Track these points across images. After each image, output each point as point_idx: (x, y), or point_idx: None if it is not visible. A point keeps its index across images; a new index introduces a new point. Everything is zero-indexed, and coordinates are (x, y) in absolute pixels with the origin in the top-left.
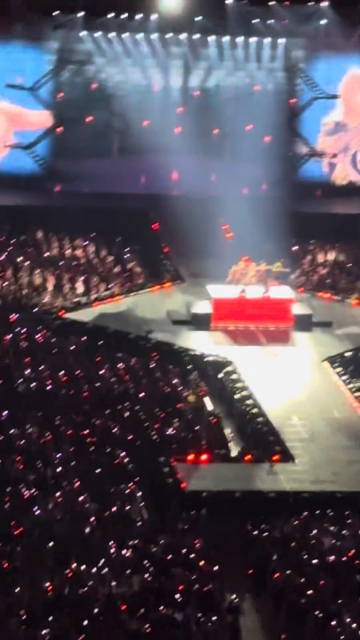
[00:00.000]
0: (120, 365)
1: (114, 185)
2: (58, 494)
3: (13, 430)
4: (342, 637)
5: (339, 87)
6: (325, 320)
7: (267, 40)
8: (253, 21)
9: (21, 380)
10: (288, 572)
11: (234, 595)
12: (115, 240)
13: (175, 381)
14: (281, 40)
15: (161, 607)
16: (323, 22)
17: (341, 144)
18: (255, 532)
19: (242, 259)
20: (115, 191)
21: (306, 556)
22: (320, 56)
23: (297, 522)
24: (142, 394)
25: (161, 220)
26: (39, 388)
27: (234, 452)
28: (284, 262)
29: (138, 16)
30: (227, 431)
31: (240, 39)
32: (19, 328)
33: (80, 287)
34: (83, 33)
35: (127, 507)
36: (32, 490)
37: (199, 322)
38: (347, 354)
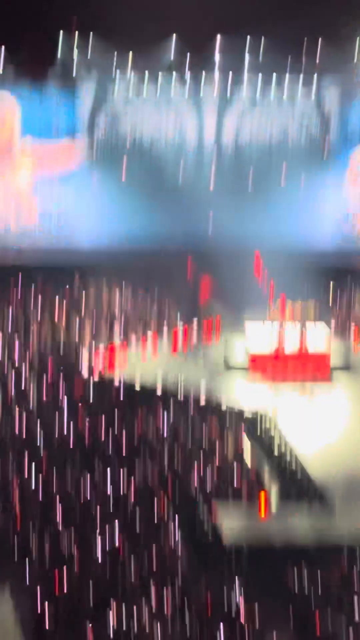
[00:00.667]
0: (158, 415)
1: (150, 242)
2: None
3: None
4: None
5: None
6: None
7: (300, 86)
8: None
9: None
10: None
11: None
12: (152, 281)
13: (213, 431)
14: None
15: None
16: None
17: None
18: (295, 584)
19: (278, 298)
20: (152, 234)
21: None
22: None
23: (336, 573)
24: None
25: (198, 263)
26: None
27: (273, 502)
28: (318, 301)
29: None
30: (266, 483)
31: (272, 87)
32: (57, 373)
33: (117, 330)
34: (117, 89)
35: (167, 558)
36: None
37: (236, 370)
38: None
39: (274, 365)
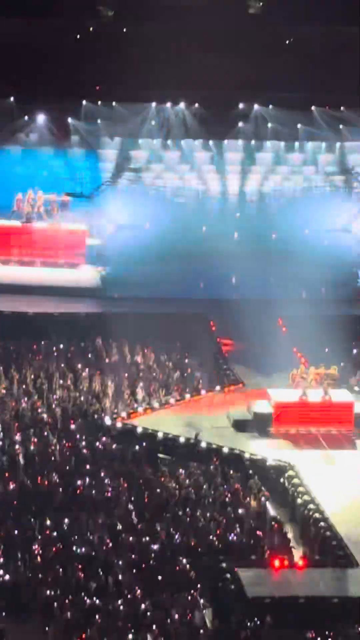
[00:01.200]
0: (180, 470)
1: (173, 290)
2: (119, 602)
3: (74, 537)
4: None
5: None
6: None
7: (323, 144)
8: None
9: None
10: None
11: None
12: (174, 345)
13: (236, 486)
14: (338, 144)
15: None
16: None
17: None
18: None
19: (301, 362)
20: (174, 296)
21: None
22: None
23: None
24: (203, 499)
25: (221, 324)
26: (99, 494)
27: (297, 557)
28: (340, 366)
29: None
30: (290, 536)
31: (296, 144)
32: (79, 435)
33: (140, 393)
34: (140, 140)
35: (190, 615)
36: (93, 599)
37: (260, 422)
38: None
39: (298, 415)
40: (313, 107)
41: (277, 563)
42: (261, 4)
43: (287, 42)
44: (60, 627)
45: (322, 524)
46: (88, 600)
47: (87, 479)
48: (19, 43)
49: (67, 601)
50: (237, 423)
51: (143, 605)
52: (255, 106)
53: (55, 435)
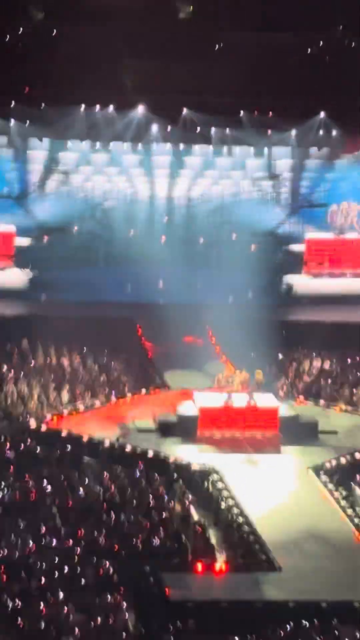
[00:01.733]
0: (105, 474)
1: (100, 293)
2: (42, 605)
3: None
4: None
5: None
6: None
7: (252, 149)
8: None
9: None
10: None
11: None
12: (101, 348)
13: (160, 490)
14: (266, 150)
15: None
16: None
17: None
18: None
19: (227, 366)
20: (101, 299)
21: None
22: (310, 164)
23: (283, 633)
24: (127, 503)
25: (148, 329)
26: (23, 497)
27: (220, 561)
28: (266, 370)
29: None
30: (213, 540)
31: (225, 148)
32: (3, 437)
33: (65, 396)
34: (69, 143)
35: (112, 619)
36: (16, 602)
37: (186, 425)
38: (332, 463)
39: (223, 420)
40: (242, 112)
41: (200, 567)
42: (191, 8)
43: (217, 46)
44: None
45: (245, 528)
46: (10, 603)
47: (11, 482)
48: None
49: None
50: (162, 426)
51: (66, 609)
52: (185, 110)
53: None
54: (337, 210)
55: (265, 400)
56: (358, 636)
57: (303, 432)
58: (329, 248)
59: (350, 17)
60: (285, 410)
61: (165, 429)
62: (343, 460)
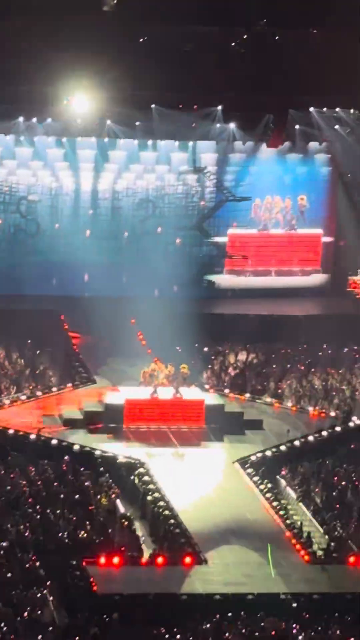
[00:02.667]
0: (31, 468)
1: (26, 287)
2: None
3: None
4: None
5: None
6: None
7: (177, 143)
8: (162, 124)
9: None
10: None
11: None
12: (26, 341)
13: (87, 483)
14: (191, 143)
15: None
16: (232, 125)
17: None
18: (167, 636)
19: (153, 360)
20: (27, 293)
21: None
22: (233, 158)
23: (209, 625)
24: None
25: (73, 322)
26: None
27: (146, 554)
28: (193, 364)
29: (48, 120)
30: (140, 533)
31: (149, 142)
32: None
33: None
34: None
35: (39, 612)
36: None
37: (112, 416)
38: (258, 455)
39: (149, 413)
40: (153, 106)
41: (126, 560)
42: (115, 1)
43: (140, 40)
44: None
45: (171, 521)
46: None
47: None
48: None
49: None
50: (89, 416)
51: None
52: (109, 103)
53: None
54: (261, 204)
55: (191, 393)
56: (283, 627)
57: (229, 423)
58: (252, 244)
59: (272, 11)
60: (210, 400)
61: (91, 419)
62: (269, 453)
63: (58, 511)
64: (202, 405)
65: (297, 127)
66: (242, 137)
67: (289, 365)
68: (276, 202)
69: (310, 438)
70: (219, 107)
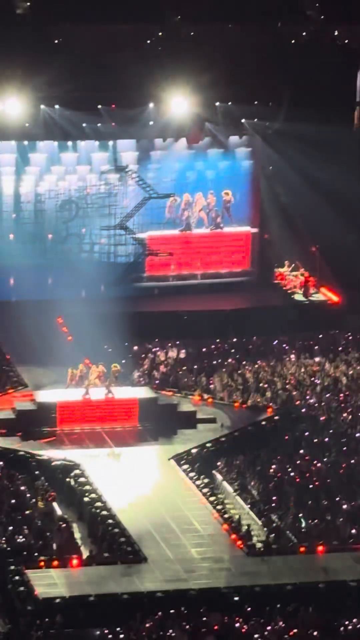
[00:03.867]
0: None
1: None
2: None
3: None
4: None
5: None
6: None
7: (97, 143)
8: (83, 124)
9: None
10: None
11: None
12: None
13: (22, 487)
14: (111, 143)
15: None
16: (151, 123)
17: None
18: (110, 637)
19: (83, 361)
20: None
21: None
22: (153, 156)
23: (152, 622)
24: None
25: (1, 327)
26: None
27: (85, 555)
28: (123, 363)
29: None
30: (78, 535)
31: (69, 143)
32: None
33: None
34: None
35: None
36: None
37: (45, 414)
38: (193, 451)
39: (82, 414)
40: (100, 107)
41: (66, 562)
42: (28, 4)
43: (56, 41)
44: None
45: (109, 521)
46: None
47: None
48: None
49: None
50: (21, 414)
51: None
52: (27, 105)
53: None
54: (179, 201)
55: (123, 392)
56: (226, 620)
57: (163, 415)
58: (174, 245)
59: (186, 7)
60: (143, 393)
61: (24, 418)
62: (203, 448)
63: None
64: (136, 404)
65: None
66: (163, 134)
67: (219, 360)
68: (197, 200)
69: (244, 431)
70: (150, 105)
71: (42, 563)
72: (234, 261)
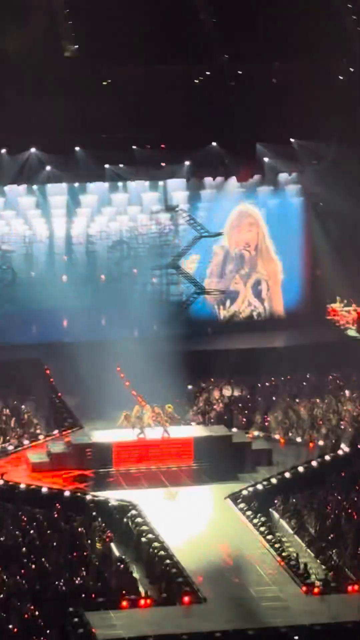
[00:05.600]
0: (23, 517)
1: (5, 335)
2: None
3: None
4: None
5: (225, 224)
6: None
7: (147, 183)
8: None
9: None
10: None
11: None
12: (9, 392)
13: (80, 529)
14: (161, 183)
15: None
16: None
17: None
18: None
19: (137, 401)
20: (6, 341)
21: None
22: (205, 195)
23: None
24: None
25: (55, 369)
26: None
27: (144, 596)
28: (178, 402)
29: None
30: (136, 575)
31: (120, 184)
32: None
33: None
34: None
35: None
36: None
37: (101, 451)
38: (249, 489)
39: (138, 454)
40: (134, 147)
41: (124, 603)
42: (76, 46)
43: (104, 83)
44: None
45: (167, 561)
46: None
47: None
48: None
49: None
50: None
51: None
52: (77, 148)
53: None
54: None
55: (178, 431)
56: None
57: (217, 449)
58: None
59: (232, 47)
60: (198, 431)
61: (81, 452)
62: (260, 487)
63: (53, 558)
64: (191, 443)
65: (266, 160)
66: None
67: (274, 398)
68: None
69: (301, 468)
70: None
71: (101, 604)
72: None
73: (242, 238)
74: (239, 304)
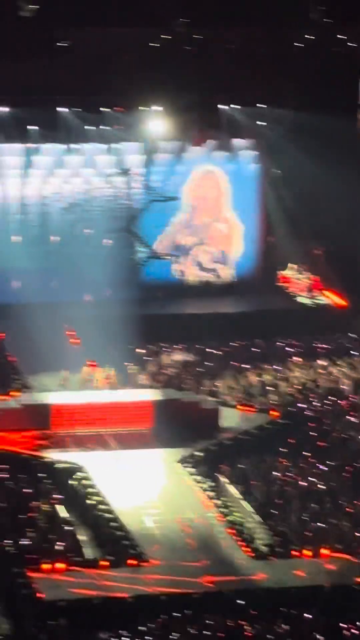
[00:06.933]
0: None
1: None
2: None
3: None
4: None
5: (182, 188)
6: None
7: (103, 146)
8: (87, 127)
9: None
10: None
11: None
12: None
13: (26, 490)
14: (116, 145)
15: None
16: (158, 125)
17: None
18: None
19: (87, 364)
20: None
21: None
22: (160, 158)
23: (155, 625)
24: None
25: (5, 330)
26: None
27: (89, 558)
28: (127, 366)
29: None
30: (82, 537)
31: (75, 146)
32: None
33: None
34: None
35: None
36: None
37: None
38: (198, 454)
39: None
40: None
41: (70, 565)
42: (32, 6)
43: (62, 44)
44: None
45: (113, 523)
46: None
47: None
48: None
49: None
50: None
51: None
52: (31, 109)
53: None
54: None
55: (134, 395)
56: (230, 624)
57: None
58: None
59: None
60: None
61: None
62: (209, 452)
63: None
64: (150, 406)
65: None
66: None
67: (223, 363)
68: None
69: (249, 434)
70: (153, 107)
71: (46, 566)
72: None
73: (200, 202)
74: (188, 265)
